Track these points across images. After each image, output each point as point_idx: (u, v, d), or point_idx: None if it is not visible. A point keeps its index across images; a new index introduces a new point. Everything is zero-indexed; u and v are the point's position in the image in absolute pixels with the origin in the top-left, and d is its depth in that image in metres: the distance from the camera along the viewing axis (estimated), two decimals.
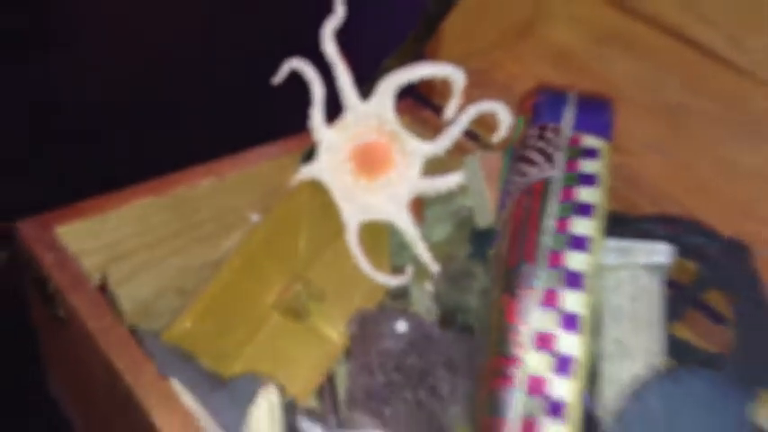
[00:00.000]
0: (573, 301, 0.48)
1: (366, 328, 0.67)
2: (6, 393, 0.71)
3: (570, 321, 0.48)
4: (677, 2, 0.67)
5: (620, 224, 0.57)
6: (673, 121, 0.66)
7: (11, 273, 0.66)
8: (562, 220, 0.51)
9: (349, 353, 0.66)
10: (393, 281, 0.69)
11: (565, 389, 0.47)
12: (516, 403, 0.46)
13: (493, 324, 0.50)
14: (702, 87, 0.66)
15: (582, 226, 0.50)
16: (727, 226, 0.58)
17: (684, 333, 0.58)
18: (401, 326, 0.66)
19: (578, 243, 0.50)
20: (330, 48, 0.64)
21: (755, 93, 0.64)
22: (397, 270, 0.70)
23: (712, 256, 0.57)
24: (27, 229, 0.59)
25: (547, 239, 0.50)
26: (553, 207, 0.51)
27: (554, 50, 0.73)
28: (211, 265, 0.68)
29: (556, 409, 0.46)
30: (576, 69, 0.71)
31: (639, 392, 0.48)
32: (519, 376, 0.47)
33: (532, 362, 0.47)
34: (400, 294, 0.71)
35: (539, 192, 0.52)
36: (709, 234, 0.58)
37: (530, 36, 0.73)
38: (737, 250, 0.56)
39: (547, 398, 0.46)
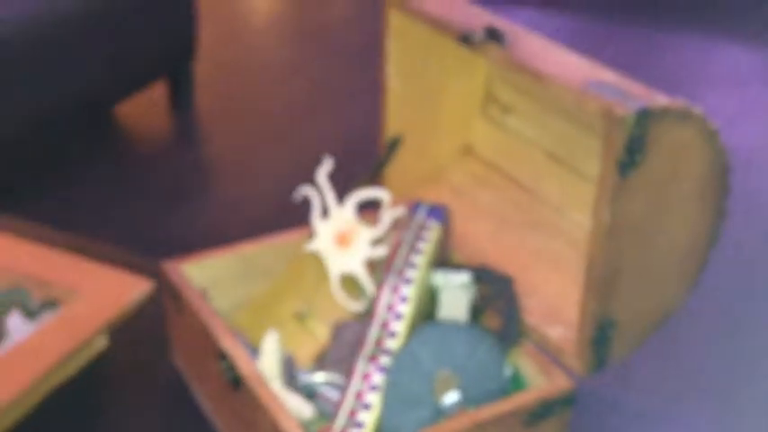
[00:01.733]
0: (406, 290, 1.06)
1: (339, 329, 1.25)
2: (147, 367, 1.31)
3: (403, 299, 1.05)
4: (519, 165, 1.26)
5: (453, 267, 1.15)
6: (499, 224, 1.24)
7: (155, 298, 1.28)
8: (407, 256, 1.09)
9: (330, 342, 1.24)
10: (355, 306, 1.26)
11: (399, 327, 1.03)
12: (372, 333, 1.03)
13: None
14: (518, 206, 1.24)
15: (416, 259, 1.08)
16: (508, 270, 1.15)
17: (487, 321, 1.13)
18: (354, 328, 1.24)
19: (412, 266, 1.07)
20: (322, 181, 1.25)
21: (548, 211, 1.22)
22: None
23: (496, 282, 1.13)
24: (167, 266, 1.21)
25: (398, 264, 1.08)
26: (404, 250, 1.09)
27: (450, 186, 1.32)
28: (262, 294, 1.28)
29: (393, 334, 1.03)
30: (462, 196, 1.30)
31: (428, 327, 1.04)
32: (375, 322, 1.04)
33: (384, 315, 1.04)
34: (363, 312, 1.29)
35: (398, 243, 1.10)
36: (496, 273, 1.14)
37: (437, 178, 1.33)
38: (506, 281, 1.13)
39: (389, 329, 1.03)
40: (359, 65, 2.58)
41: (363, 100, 2.26)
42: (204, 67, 3.07)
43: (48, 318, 1.22)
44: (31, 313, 1.21)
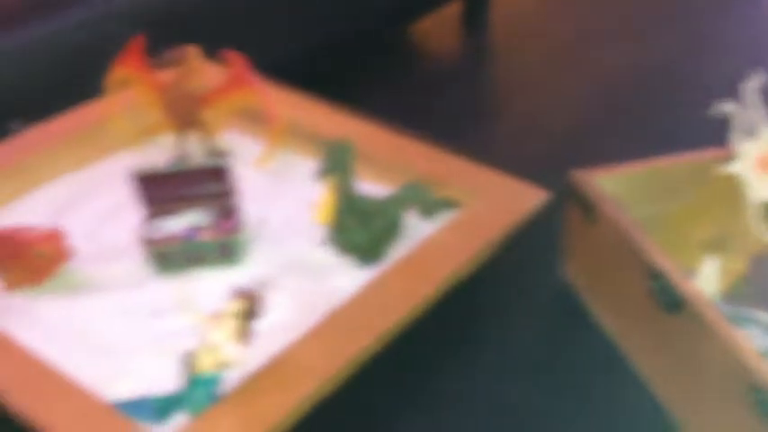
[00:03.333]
0: None
1: (759, 263, 1.13)
2: (534, 279, 1.24)
3: None
4: None
5: None
6: None
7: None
8: None
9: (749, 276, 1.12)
10: None
11: None
12: None
13: None
14: None
15: None
16: None
17: None
18: None
19: None
20: (750, 96, 1.12)
21: None
22: None
23: None
24: (578, 175, 1.14)
25: None
26: None
27: None
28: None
29: None
30: None
31: None
32: None
33: None
34: None
35: None
36: None
37: None
38: None
39: None
40: None
41: (662, 29, 2.11)
42: None
43: (444, 217, 1.18)
44: (428, 210, 1.18)
